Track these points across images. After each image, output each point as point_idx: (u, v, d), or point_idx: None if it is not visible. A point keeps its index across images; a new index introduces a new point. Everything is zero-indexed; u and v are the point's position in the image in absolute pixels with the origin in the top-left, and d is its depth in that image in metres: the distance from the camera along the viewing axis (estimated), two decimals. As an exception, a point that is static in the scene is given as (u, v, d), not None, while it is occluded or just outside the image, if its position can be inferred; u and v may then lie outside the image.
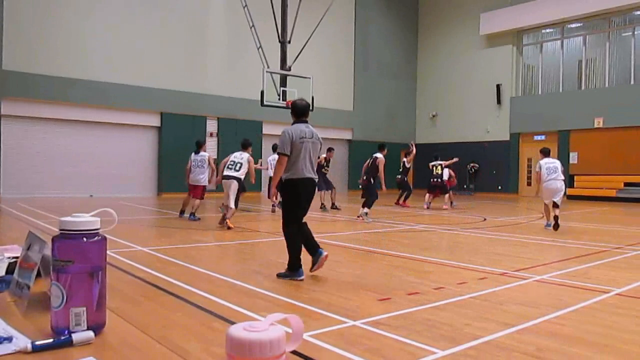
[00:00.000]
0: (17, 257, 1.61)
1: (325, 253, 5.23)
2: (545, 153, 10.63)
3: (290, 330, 1.00)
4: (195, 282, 4.90)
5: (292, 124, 5.39)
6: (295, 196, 5.24)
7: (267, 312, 3.04)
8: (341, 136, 25.35)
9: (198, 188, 11.20)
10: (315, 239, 5.37)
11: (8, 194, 16.48)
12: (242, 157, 10.00)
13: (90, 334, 1.15)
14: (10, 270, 1.62)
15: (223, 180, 9.89)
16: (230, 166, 9.92)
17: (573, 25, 22.83)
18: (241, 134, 18.91)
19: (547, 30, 23.69)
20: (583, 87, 22.52)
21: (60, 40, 17.41)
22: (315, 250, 5.25)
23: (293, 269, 5.13)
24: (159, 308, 4.07)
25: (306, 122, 5.40)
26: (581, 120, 21.71)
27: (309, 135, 5.26)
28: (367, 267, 6.04)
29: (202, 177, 11.25)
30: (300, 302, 4.19)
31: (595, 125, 21.35)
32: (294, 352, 0.85)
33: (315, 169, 5.37)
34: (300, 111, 5.40)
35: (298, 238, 5.23)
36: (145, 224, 10.47)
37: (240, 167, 9.88)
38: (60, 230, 1.20)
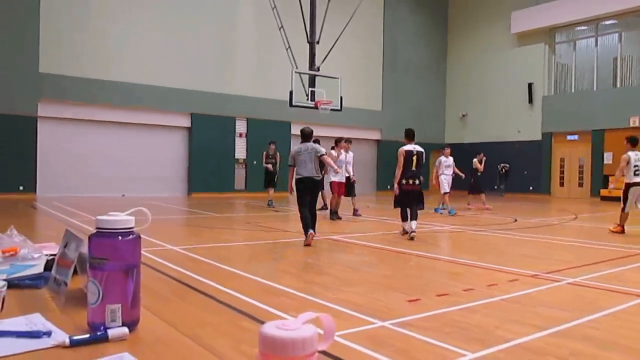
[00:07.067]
0: (54, 255, 1.66)
1: (310, 231, 7.31)
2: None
3: (320, 330, 1.01)
4: (225, 281, 4.95)
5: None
6: (297, 190, 7.73)
7: (295, 312, 3.06)
8: (369, 136, 25.28)
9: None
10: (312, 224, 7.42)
11: (44, 193, 16.93)
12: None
13: (125, 330, 1.17)
14: (48, 267, 1.67)
15: None
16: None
17: (607, 22, 22.27)
18: (270, 134, 19.03)
19: (581, 28, 23.16)
20: (618, 85, 21.95)
21: (93, 44, 17.82)
22: (306, 229, 7.40)
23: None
24: (189, 306, 4.13)
25: (307, 141, 7.96)
26: (616, 119, 21.14)
27: (304, 149, 7.78)
28: (395, 268, 6.01)
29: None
30: (329, 302, 4.19)
31: (631, 125, 20.73)
32: (323, 352, 0.86)
33: (314, 170, 7.65)
34: (302, 136, 8.09)
35: (302, 215, 7.60)
36: (177, 224, 10.63)
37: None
38: (97, 228, 1.23)
